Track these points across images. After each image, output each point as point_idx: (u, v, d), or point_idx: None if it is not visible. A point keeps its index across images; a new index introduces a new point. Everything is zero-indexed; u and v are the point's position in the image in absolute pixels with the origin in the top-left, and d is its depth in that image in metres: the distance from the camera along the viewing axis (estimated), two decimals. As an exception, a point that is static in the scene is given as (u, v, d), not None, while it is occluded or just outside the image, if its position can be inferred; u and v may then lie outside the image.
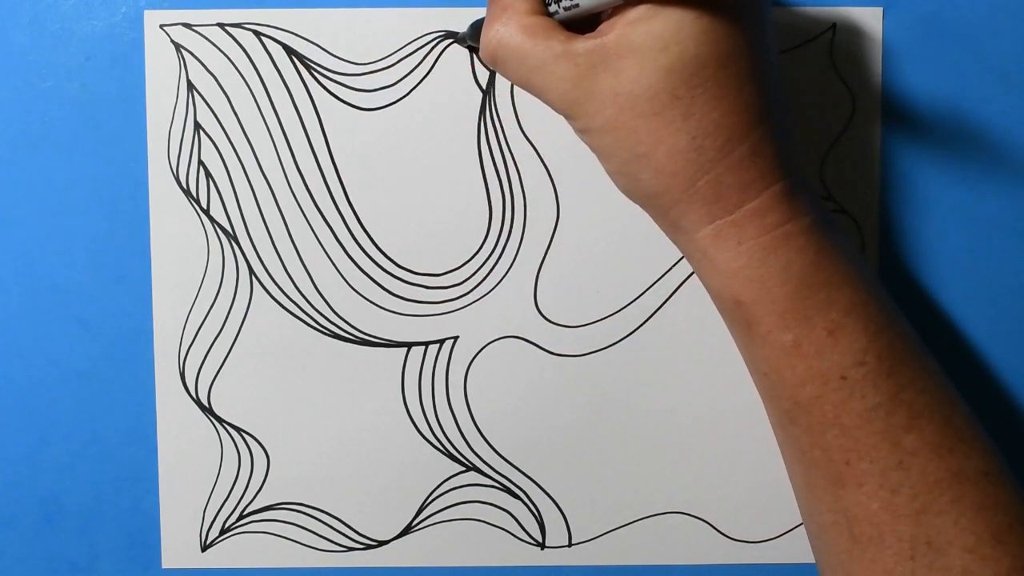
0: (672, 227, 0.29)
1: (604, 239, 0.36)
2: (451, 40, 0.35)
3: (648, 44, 0.25)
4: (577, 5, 0.26)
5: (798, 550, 0.36)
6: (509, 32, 0.27)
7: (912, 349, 0.28)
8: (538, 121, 0.35)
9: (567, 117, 0.28)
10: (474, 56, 0.35)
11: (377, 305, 0.36)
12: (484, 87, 0.36)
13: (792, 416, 0.28)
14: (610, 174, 0.29)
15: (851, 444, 0.27)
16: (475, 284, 0.36)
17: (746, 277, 0.27)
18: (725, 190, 0.27)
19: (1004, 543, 0.27)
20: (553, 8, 0.28)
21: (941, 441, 0.27)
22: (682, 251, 0.29)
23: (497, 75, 0.35)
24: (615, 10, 0.26)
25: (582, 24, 0.28)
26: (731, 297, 0.28)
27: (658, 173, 0.27)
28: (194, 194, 0.36)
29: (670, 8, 0.25)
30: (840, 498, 0.28)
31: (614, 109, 0.26)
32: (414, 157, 0.36)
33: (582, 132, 0.28)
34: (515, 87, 0.35)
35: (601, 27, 0.27)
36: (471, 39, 0.33)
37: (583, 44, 0.26)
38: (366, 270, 0.36)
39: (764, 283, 0.27)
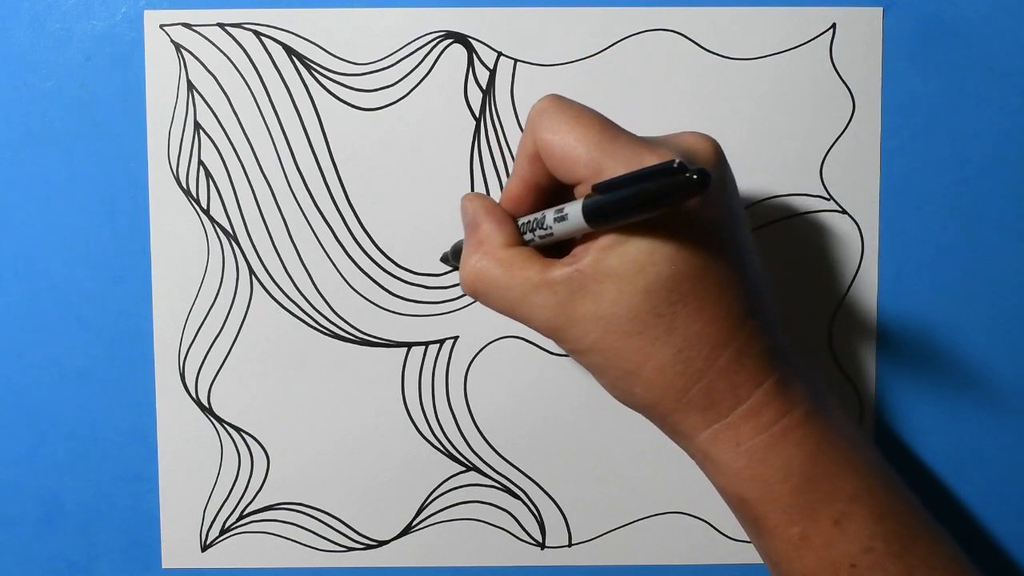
0: (671, 433, 0.29)
1: (604, 239, 0.36)
2: (442, 261, 0.35)
3: (624, 268, 0.26)
4: (551, 234, 0.27)
5: (798, 550, 0.36)
6: (486, 266, 0.28)
7: (920, 524, 0.28)
8: (538, 121, 0.35)
9: (555, 341, 0.28)
10: (474, 58, 0.35)
11: (377, 305, 0.36)
12: (484, 87, 0.36)
13: None
14: (606, 388, 0.29)
15: None
16: (475, 284, 0.36)
17: (747, 477, 0.27)
18: (717, 395, 0.27)
19: None
20: (528, 237, 0.28)
21: None
22: (685, 452, 0.29)
23: (497, 75, 0.35)
24: (588, 234, 0.26)
25: (556, 246, 0.28)
26: (735, 496, 0.28)
27: (649, 387, 0.27)
28: (194, 194, 0.36)
29: (640, 233, 0.25)
30: None
31: (598, 332, 0.27)
32: (414, 157, 0.36)
33: (572, 353, 0.28)
34: (515, 87, 0.35)
35: (576, 251, 0.27)
36: (453, 259, 0.33)
37: (560, 272, 0.27)
38: (366, 270, 0.36)
39: (766, 481, 0.27)
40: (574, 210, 0.25)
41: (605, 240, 0.26)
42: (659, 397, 0.27)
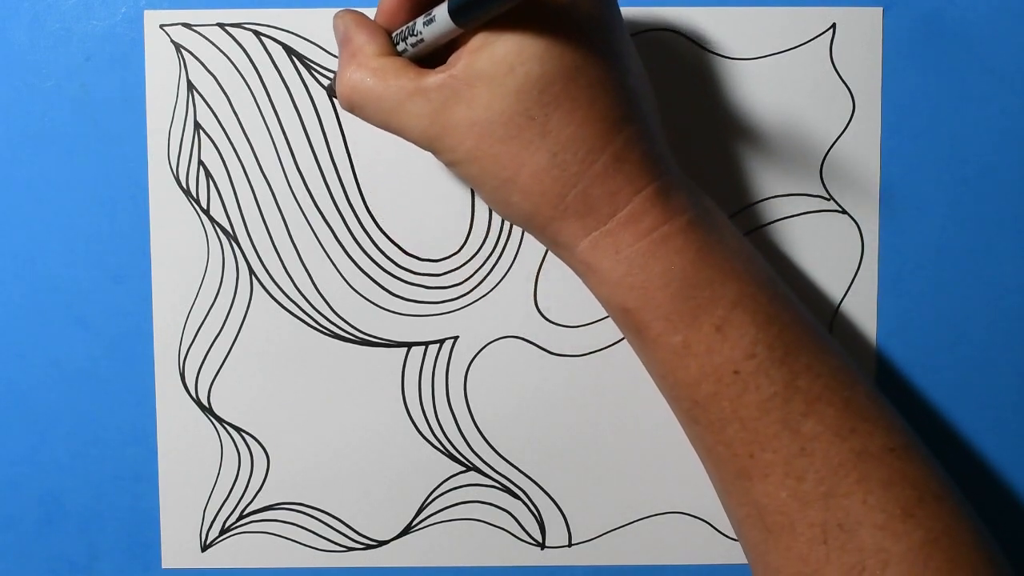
0: (552, 244, 0.29)
1: (604, 239, 0.36)
2: (328, 93, 0.35)
3: (493, 70, 0.25)
4: (422, 40, 0.27)
5: (798, 550, 0.36)
6: (361, 76, 0.27)
7: (806, 334, 0.28)
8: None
9: (431, 152, 0.28)
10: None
11: (377, 305, 0.36)
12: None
13: (693, 415, 0.28)
14: (486, 202, 0.29)
15: (752, 437, 0.27)
16: (475, 284, 0.36)
17: (628, 285, 0.27)
18: (594, 201, 0.27)
19: (914, 516, 0.27)
20: (402, 47, 0.28)
21: (841, 423, 0.27)
22: (567, 265, 0.29)
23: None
24: (460, 41, 0.26)
25: (434, 59, 0.28)
26: (617, 305, 0.28)
27: (526, 195, 0.27)
28: (194, 194, 0.36)
29: (511, 31, 0.25)
30: (749, 491, 0.28)
31: (473, 139, 0.26)
32: (414, 156, 0.36)
33: (449, 165, 0.28)
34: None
35: (450, 59, 0.27)
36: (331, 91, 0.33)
37: (434, 79, 0.26)
38: (366, 270, 0.36)
39: (646, 289, 0.27)
40: (441, 10, 0.25)
41: (475, 42, 0.26)
42: (536, 205, 0.27)
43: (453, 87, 0.26)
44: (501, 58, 0.25)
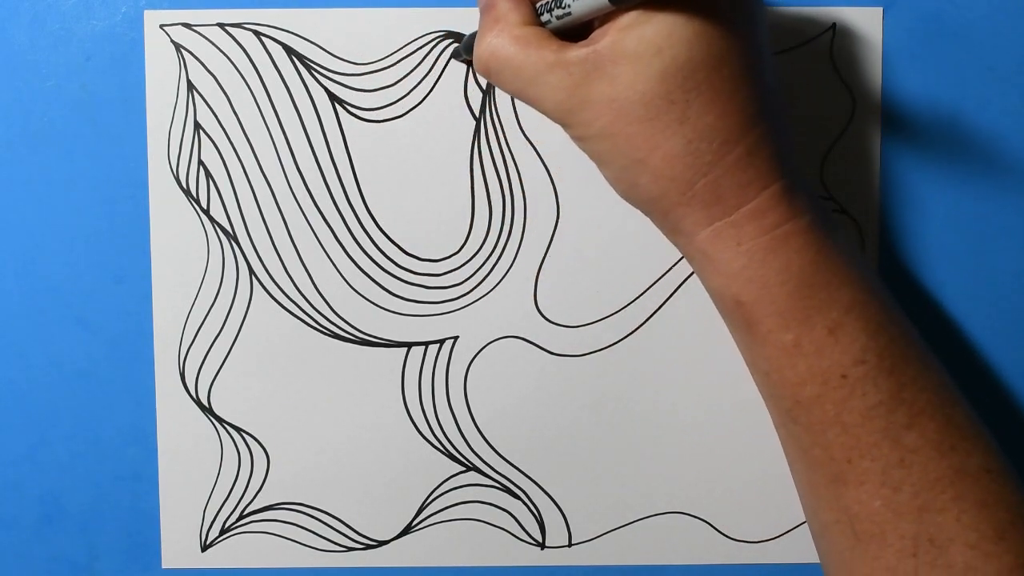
0: (672, 230, 0.29)
1: (604, 239, 0.36)
2: (449, 57, 0.35)
3: (641, 49, 0.25)
4: (569, 13, 0.26)
5: (798, 550, 0.36)
6: (502, 43, 0.27)
7: (913, 347, 0.28)
8: (538, 121, 0.35)
9: (563, 125, 0.28)
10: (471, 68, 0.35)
11: (377, 305, 0.36)
12: (484, 87, 0.36)
13: (794, 415, 0.28)
14: (608, 180, 0.29)
15: (852, 442, 0.27)
16: (475, 284, 0.36)
17: (746, 278, 0.27)
18: (723, 192, 0.27)
19: (1006, 539, 0.27)
20: (546, 17, 0.28)
21: (942, 438, 0.27)
22: (683, 253, 0.29)
23: None
24: (606, 17, 0.26)
25: (575, 33, 0.28)
26: (732, 298, 0.28)
27: (656, 178, 0.27)
28: (194, 194, 0.36)
29: (662, 13, 0.25)
30: (842, 496, 0.28)
31: (610, 116, 0.26)
32: (414, 157, 0.36)
33: (579, 140, 0.28)
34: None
35: (593, 35, 0.27)
36: (466, 53, 0.33)
37: (576, 52, 0.26)
38: (366, 270, 0.36)
39: (764, 283, 0.27)
40: None
41: (625, 20, 0.25)
42: (665, 189, 0.27)
43: (596, 62, 0.26)
44: (650, 39, 0.25)
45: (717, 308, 0.30)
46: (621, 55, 0.26)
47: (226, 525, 0.37)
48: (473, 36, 0.31)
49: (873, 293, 0.28)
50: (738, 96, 0.26)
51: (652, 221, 0.29)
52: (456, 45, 0.35)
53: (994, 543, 0.26)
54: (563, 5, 0.27)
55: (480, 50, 0.28)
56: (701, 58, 0.25)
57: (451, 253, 0.36)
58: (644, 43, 0.25)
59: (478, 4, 0.29)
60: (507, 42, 0.27)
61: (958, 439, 0.27)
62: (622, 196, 0.29)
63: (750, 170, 0.27)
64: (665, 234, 0.29)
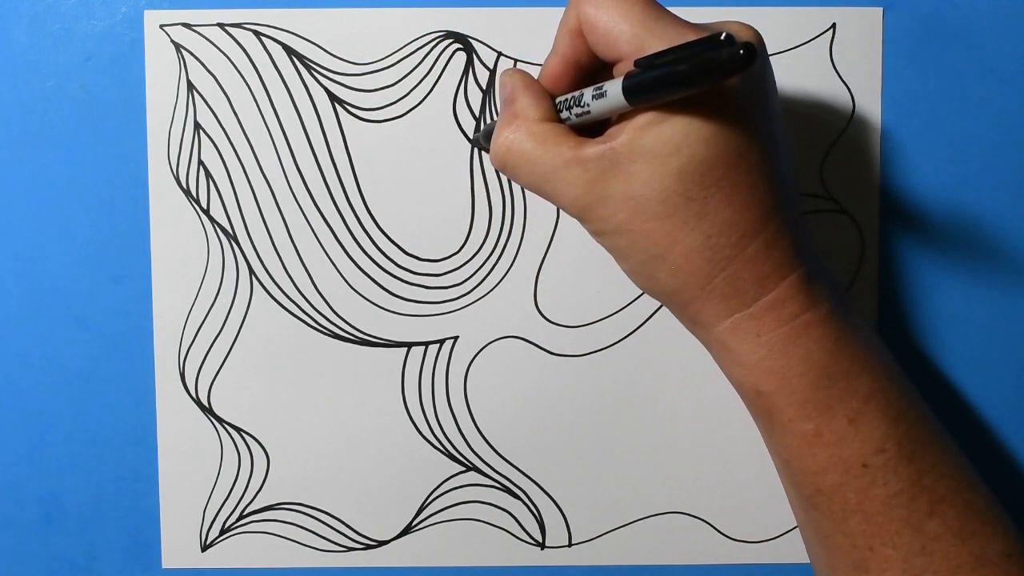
0: (691, 321, 0.29)
1: (604, 239, 0.36)
2: (471, 146, 0.35)
3: (659, 148, 0.25)
4: (588, 111, 0.27)
5: (798, 550, 0.36)
6: (519, 139, 0.27)
7: (932, 431, 0.28)
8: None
9: (581, 220, 0.28)
10: (474, 58, 0.35)
11: (377, 305, 0.36)
12: (484, 87, 0.36)
13: (814, 502, 0.28)
14: (627, 273, 0.29)
15: (874, 530, 0.27)
16: (475, 284, 0.36)
17: (766, 368, 0.27)
18: (742, 284, 0.27)
19: None
20: (565, 115, 0.28)
21: (963, 525, 0.27)
22: (702, 342, 0.29)
23: (497, 75, 0.35)
24: (624, 114, 0.26)
25: (593, 128, 0.28)
26: (751, 388, 0.28)
27: (675, 272, 0.27)
28: (194, 194, 0.36)
29: (679, 112, 0.25)
30: None
31: (627, 212, 0.26)
32: (414, 157, 0.36)
33: (597, 235, 0.28)
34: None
35: (609, 131, 0.27)
36: (485, 141, 0.33)
37: (593, 149, 0.26)
38: (366, 270, 0.36)
39: (784, 374, 0.27)
40: (613, 87, 0.25)
41: (642, 119, 0.26)
42: (683, 283, 0.27)
43: (613, 159, 0.26)
44: (668, 138, 0.25)
45: (739, 396, 0.30)
46: (638, 153, 0.26)
47: (226, 525, 0.37)
48: (493, 126, 0.32)
49: (891, 380, 0.28)
50: (756, 190, 0.26)
51: (670, 311, 0.29)
52: (477, 135, 0.35)
53: None
54: (582, 104, 0.27)
55: (497, 144, 0.28)
56: (719, 156, 0.26)
57: (451, 253, 0.36)
58: (662, 142, 0.25)
59: (499, 98, 0.30)
60: (524, 137, 0.27)
61: (979, 525, 0.27)
62: (640, 287, 0.29)
63: (769, 262, 0.27)
64: (683, 324, 0.29)
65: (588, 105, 0.27)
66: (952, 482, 0.28)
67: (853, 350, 0.28)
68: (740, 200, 0.26)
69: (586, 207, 0.27)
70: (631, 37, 0.25)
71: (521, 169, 0.28)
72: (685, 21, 0.26)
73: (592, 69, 0.28)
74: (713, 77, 0.22)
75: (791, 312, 0.27)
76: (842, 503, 0.27)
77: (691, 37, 0.25)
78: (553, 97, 0.29)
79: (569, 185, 0.27)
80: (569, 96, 0.28)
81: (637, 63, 0.25)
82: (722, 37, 0.23)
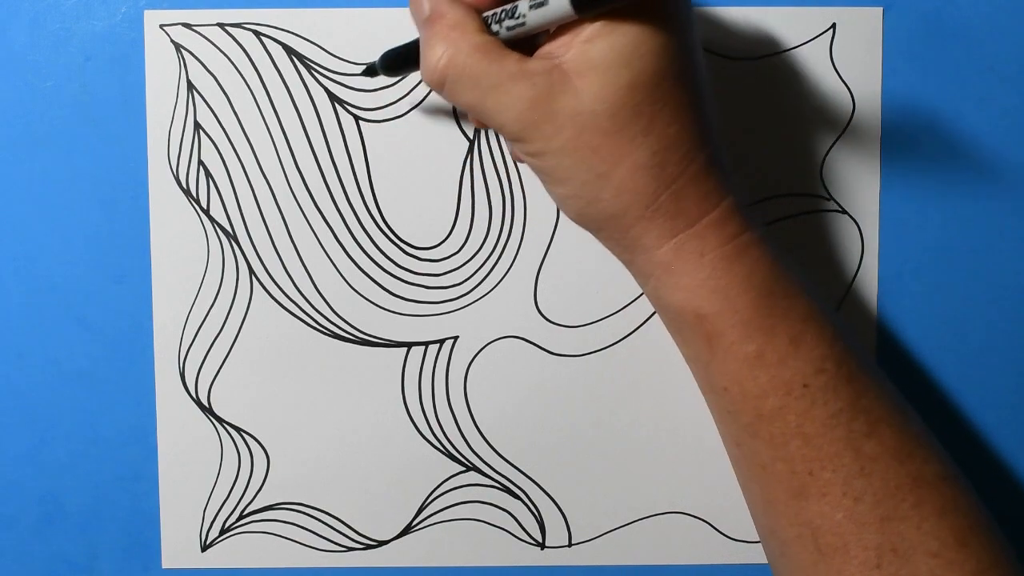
0: (629, 247, 0.28)
1: (604, 239, 0.36)
2: (360, 73, 0.34)
3: (609, 60, 0.25)
4: (523, 24, 0.25)
5: (798, 550, 0.36)
6: (460, 51, 0.26)
7: (864, 357, 0.28)
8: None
9: (519, 140, 0.27)
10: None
11: (377, 305, 0.36)
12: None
13: (754, 429, 0.28)
14: (562, 198, 0.28)
15: (814, 454, 0.27)
16: (475, 284, 0.36)
17: (709, 288, 0.27)
18: (685, 203, 0.27)
19: (968, 546, 0.27)
20: (495, 28, 0.26)
21: (900, 446, 0.27)
22: (635, 271, 0.29)
23: None
24: (558, 32, 0.26)
25: (518, 47, 0.27)
26: (693, 311, 0.28)
27: (619, 192, 0.26)
28: (194, 194, 0.36)
29: (626, 24, 0.25)
30: (803, 510, 0.27)
31: (574, 129, 0.26)
32: (414, 156, 0.36)
33: (536, 155, 0.27)
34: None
35: (547, 48, 0.26)
36: (383, 69, 0.32)
37: (540, 64, 0.26)
38: (366, 270, 0.36)
39: (727, 293, 0.27)
40: None
41: (588, 31, 0.25)
42: (627, 204, 0.27)
43: (561, 76, 0.25)
44: (619, 50, 0.25)
45: (670, 327, 0.29)
46: (588, 67, 0.25)
47: (226, 525, 0.37)
48: (393, 51, 0.30)
49: (822, 304, 0.28)
50: (699, 106, 0.26)
51: (601, 240, 0.29)
52: (372, 62, 0.33)
53: (956, 550, 0.26)
54: (516, 15, 0.26)
55: (433, 59, 0.26)
56: (667, 68, 0.25)
57: (451, 253, 0.36)
58: (613, 54, 0.25)
59: (416, 16, 0.27)
60: (466, 50, 0.26)
61: (914, 446, 0.27)
62: (574, 216, 0.28)
63: (711, 180, 0.27)
64: (616, 252, 0.29)
65: (524, 17, 0.25)
66: (888, 404, 0.28)
67: (787, 272, 0.28)
68: (686, 115, 0.26)
69: (529, 124, 0.26)
70: None
71: (463, 83, 0.26)
72: None
73: None
74: None
75: (731, 231, 0.27)
76: (782, 426, 0.27)
77: None
78: (480, 12, 0.27)
79: (515, 99, 0.26)
80: (500, 9, 0.26)
81: None
82: None
